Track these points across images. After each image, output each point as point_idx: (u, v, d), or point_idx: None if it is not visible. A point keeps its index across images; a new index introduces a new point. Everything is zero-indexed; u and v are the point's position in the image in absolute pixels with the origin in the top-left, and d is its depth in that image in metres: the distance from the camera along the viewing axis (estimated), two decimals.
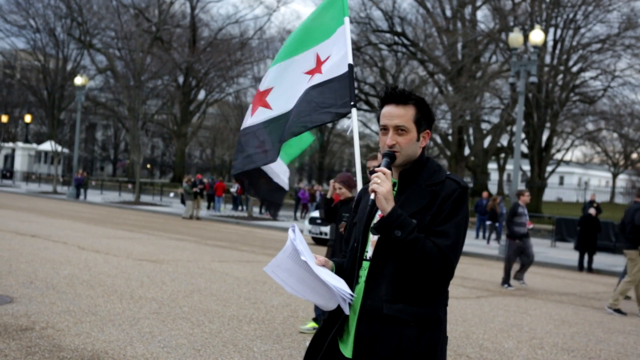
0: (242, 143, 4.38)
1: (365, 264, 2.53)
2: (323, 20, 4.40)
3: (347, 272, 2.58)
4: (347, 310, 2.47)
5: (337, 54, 4.24)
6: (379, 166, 2.51)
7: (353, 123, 4.19)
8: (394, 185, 2.59)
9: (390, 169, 2.50)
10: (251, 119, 4.34)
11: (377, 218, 2.52)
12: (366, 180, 2.79)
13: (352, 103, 4.13)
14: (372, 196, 2.42)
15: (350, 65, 4.20)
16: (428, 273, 2.38)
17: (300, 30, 4.49)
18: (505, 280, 12.25)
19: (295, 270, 2.45)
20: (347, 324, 2.55)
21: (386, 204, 2.39)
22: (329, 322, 2.58)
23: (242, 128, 4.43)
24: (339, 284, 2.44)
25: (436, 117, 39.21)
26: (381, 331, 2.42)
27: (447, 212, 2.44)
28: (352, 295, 2.45)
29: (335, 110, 4.11)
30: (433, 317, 2.46)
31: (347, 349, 2.53)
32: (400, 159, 2.53)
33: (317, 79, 4.23)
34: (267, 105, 4.30)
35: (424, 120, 2.58)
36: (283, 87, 4.31)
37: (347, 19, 4.33)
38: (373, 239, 2.51)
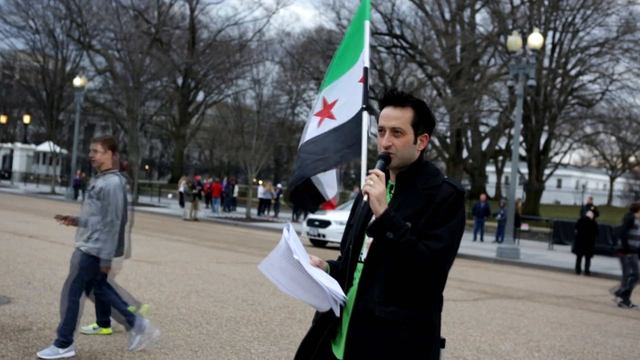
0: (303, 154, 4.52)
1: (360, 266, 2.53)
2: (359, 30, 4.64)
3: (341, 273, 2.59)
4: (337, 313, 2.47)
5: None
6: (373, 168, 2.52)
7: (363, 125, 4.27)
8: (391, 187, 2.60)
9: (385, 171, 2.51)
10: (318, 129, 4.52)
11: (373, 220, 2.53)
12: None
13: (363, 106, 4.26)
14: (365, 198, 2.43)
15: (365, 69, 4.35)
16: (419, 276, 2.38)
17: (349, 41, 4.73)
18: (625, 301, 11.51)
19: (289, 270, 2.45)
20: (340, 325, 2.55)
21: (379, 206, 2.39)
22: (322, 323, 2.58)
23: (306, 140, 4.55)
24: (331, 285, 2.44)
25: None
26: (373, 333, 2.42)
27: (442, 216, 2.44)
28: (344, 297, 2.46)
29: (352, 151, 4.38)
30: (425, 321, 2.45)
31: (339, 351, 2.54)
32: (395, 161, 2.54)
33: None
34: (332, 116, 4.52)
35: (422, 123, 2.57)
36: (344, 98, 4.53)
37: (367, 23, 4.48)
38: (368, 241, 2.51)
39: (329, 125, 4.50)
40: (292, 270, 2.44)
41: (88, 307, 6.09)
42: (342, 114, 4.49)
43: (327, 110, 4.56)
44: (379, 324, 2.42)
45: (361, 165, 4.28)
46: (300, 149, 4.57)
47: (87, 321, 6.41)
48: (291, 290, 2.49)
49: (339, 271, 2.62)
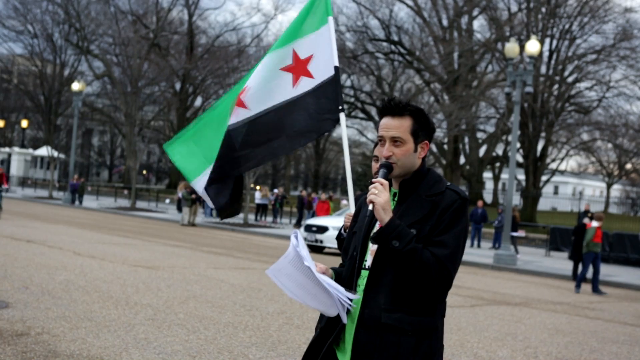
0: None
1: (364, 273, 2.54)
2: (303, 19, 4.28)
3: (345, 280, 2.60)
4: (344, 319, 2.49)
5: (323, 55, 4.09)
6: (377, 177, 2.54)
7: (342, 128, 4.11)
8: (394, 195, 2.62)
9: (388, 179, 2.53)
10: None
11: (377, 227, 2.53)
12: (357, 184, 2.80)
13: (340, 107, 4.04)
14: (370, 207, 2.45)
15: (336, 68, 4.10)
16: (426, 283, 2.41)
17: (284, 32, 4.39)
18: None
19: (296, 276, 2.47)
20: (344, 332, 2.56)
21: (384, 214, 2.41)
22: (326, 329, 2.59)
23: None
24: (339, 292, 2.47)
25: None
26: (379, 340, 2.44)
27: (447, 222, 2.46)
28: (351, 303, 2.47)
29: (332, 117, 4.03)
30: (431, 327, 2.48)
31: (344, 357, 2.55)
32: (397, 170, 2.56)
33: (308, 83, 4.05)
34: (243, 105, 4.02)
35: (422, 131, 2.59)
36: (258, 84, 4.06)
37: (331, 19, 4.16)
38: (372, 248, 2.53)
39: (242, 115, 3.96)
40: (300, 277, 2.46)
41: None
42: (254, 105, 3.99)
43: (239, 98, 4.00)
44: (386, 330, 2.43)
45: (345, 168, 4.15)
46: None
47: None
48: (298, 295, 2.51)
49: (343, 278, 2.63)
